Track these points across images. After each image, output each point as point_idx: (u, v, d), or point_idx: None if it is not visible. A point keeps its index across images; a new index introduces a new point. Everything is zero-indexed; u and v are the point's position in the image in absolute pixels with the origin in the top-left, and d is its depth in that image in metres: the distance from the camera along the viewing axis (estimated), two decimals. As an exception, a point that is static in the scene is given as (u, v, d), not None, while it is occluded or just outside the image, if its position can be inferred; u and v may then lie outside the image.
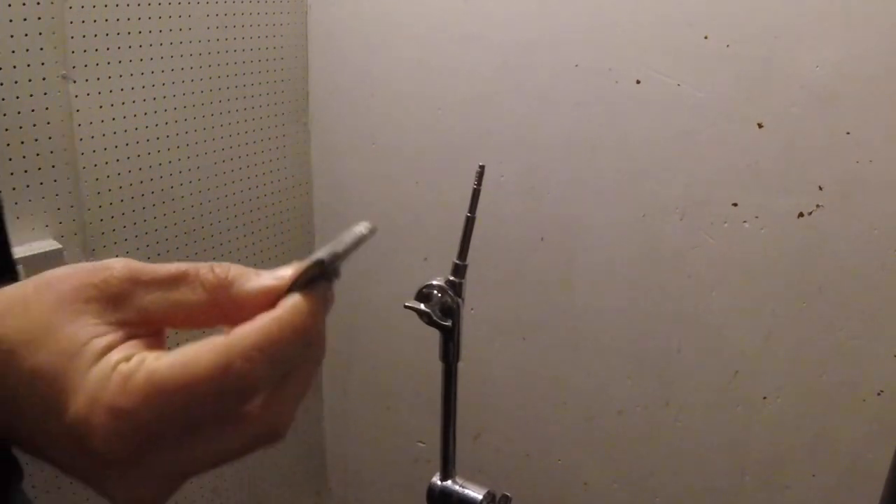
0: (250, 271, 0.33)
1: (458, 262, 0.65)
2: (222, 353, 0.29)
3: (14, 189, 1.09)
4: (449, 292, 0.65)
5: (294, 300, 0.31)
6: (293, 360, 0.31)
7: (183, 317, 0.32)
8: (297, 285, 0.32)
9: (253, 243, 1.53)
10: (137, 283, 0.32)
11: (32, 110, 1.09)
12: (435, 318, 0.64)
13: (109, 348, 0.30)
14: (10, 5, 1.04)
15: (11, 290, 0.32)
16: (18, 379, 0.29)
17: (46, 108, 1.11)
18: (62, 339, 0.29)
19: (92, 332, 0.30)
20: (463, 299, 0.66)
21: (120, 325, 0.31)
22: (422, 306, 0.64)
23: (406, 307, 0.64)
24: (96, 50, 1.16)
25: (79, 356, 0.29)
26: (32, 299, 0.31)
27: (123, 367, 0.29)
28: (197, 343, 0.29)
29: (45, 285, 0.31)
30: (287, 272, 0.32)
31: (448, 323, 0.67)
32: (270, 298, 0.32)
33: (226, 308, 0.32)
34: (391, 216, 1.55)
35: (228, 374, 0.29)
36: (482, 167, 0.71)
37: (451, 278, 0.66)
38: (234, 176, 1.45)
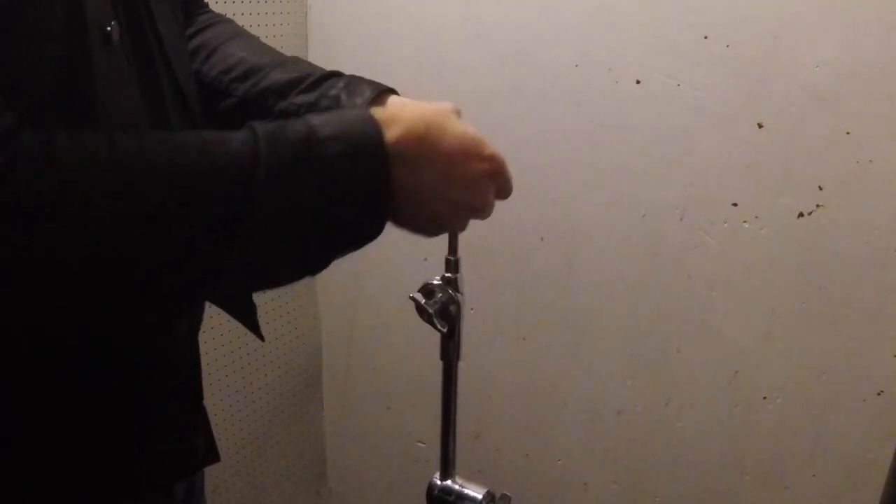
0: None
1: (449, 257, 0.66)
2: (502, 162, 0.65)
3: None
4: (448, 290, 0.65)
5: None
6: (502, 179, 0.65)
7: None
8: None
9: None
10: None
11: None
12: (435, 317, 0.64)
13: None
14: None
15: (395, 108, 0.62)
16: (443, 143, 0.58)
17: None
18: (459, 125, 0.61)
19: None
20: (461, 293, 0.67)
21: None
22: (424, 300, 0.64)
23: (411, 298, 0.65)
24: (96, 50, 1.16)
25: (478, 135, 0.62)
26: (432, 113, 0.61)
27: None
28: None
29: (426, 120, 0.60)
30: None
31: (448, 322, 0.67)
32: None
33: None
34: (391, 216, 1.55)
35: (502, 167, 0.64)
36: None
37: (447, 275, 0.66)
38: (234, 176, 1.45)
